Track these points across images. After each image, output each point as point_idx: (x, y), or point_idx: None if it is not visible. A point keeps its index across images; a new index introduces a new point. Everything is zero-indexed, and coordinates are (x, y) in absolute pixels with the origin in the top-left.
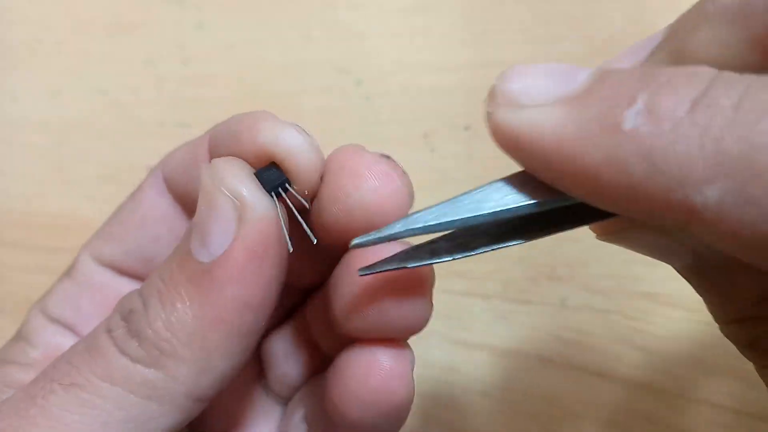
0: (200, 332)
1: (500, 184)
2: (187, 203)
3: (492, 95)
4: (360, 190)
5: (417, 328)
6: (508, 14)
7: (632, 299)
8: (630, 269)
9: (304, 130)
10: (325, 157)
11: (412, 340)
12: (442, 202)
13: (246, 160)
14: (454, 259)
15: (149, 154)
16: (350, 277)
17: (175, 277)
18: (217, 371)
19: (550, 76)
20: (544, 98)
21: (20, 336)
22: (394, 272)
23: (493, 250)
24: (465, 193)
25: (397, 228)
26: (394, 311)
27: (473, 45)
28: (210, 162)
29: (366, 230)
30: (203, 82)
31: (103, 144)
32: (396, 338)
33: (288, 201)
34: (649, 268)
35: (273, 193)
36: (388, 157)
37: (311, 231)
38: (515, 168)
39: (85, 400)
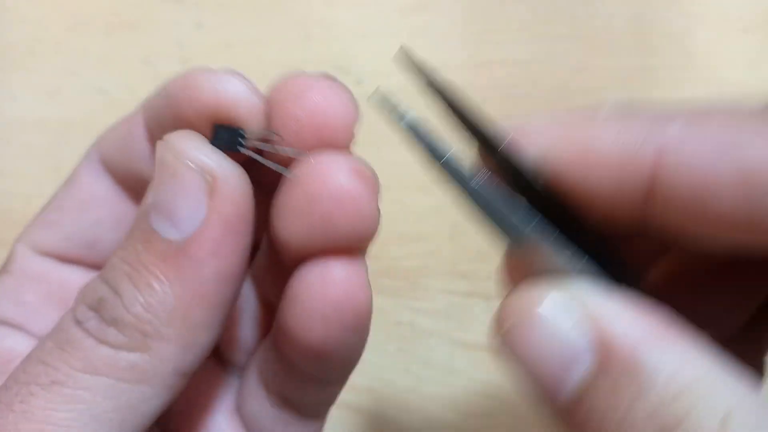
0: (182, 310)
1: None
2: (128, 183)
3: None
4: (306, 110)
5: (366, 234)
6: (508, 14)
7: None
8: None
9: (235, 72)
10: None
11: (413, 341)
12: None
13: (193, 126)
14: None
15: None
16: (293, 192)
17: (144, 258)
18: (201, 345)
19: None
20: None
21: None
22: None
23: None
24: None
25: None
26: (340, 217)
27: (473, 44)
28: (164, 138)
29: (319, 149)
30: None
31: None
32: (347, 249)
33: (247, 152)
34: None
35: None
36: (326, 74)
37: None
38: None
39: (70, 395)
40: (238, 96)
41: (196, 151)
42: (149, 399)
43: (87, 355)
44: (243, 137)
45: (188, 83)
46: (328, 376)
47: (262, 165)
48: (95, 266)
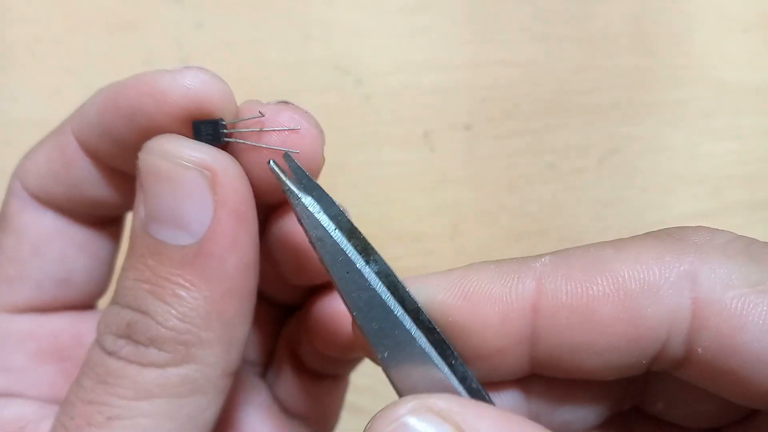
0: (216, 309)
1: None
2: (69, 208)
3: None
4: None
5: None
6: (508, 13)
7: None
8: None
9: (192, 66)
10: None
11: None
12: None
13: (164, 129)
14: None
15: None
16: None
17: (160, 271)
18: (240, 340)
19: None
20: None
21: None
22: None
23: None
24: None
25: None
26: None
27: (474, 44)
28: (146, 146)
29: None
30: None
31: None
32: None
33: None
34: None
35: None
36: (286, 102)
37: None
38: (515, 168)
39: (131, 425)
40: (208, 87)
41: (189, 150)
42: (206, 408)
43: (135, 381)
44: (224, 127)
45: (148, 88)
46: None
47: (236, 149)
48: (77, 304)
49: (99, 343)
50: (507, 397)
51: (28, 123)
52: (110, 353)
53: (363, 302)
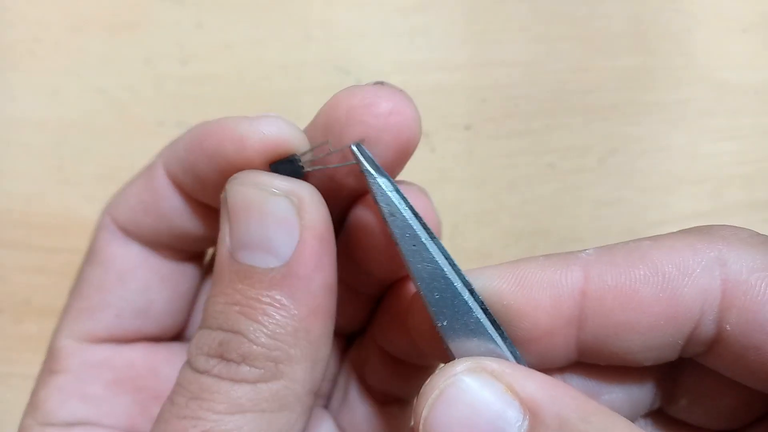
0: (303, 327)
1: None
2: (156, 241)
3: None
4: (378, 117)
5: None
6: (508, 13)
7: None
8: None
9: (267, 114)
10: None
11: None
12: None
13: (241, 168)
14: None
15: (149, 154)
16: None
17: (251, 293)
18: (323, 358)
19: None
20: None
21: None
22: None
23: None
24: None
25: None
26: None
27: (473, 44)
28: (235, 179)
29: (395, 153)
30: (202, 81)
31: (103, 144)
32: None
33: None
34: None
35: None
36: (381, 82)
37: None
38: (515, 168)
39: None
40: (283, 133)
41: (277, 180)
42: (294, 424)
43: (228, 396)
44: (299, 161)
45: (230, 133)
46: None
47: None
48: (153, 336)
49: (190, 364)
50: None
51: (28, 123)
52: (202, 372)
53: (426, 273)
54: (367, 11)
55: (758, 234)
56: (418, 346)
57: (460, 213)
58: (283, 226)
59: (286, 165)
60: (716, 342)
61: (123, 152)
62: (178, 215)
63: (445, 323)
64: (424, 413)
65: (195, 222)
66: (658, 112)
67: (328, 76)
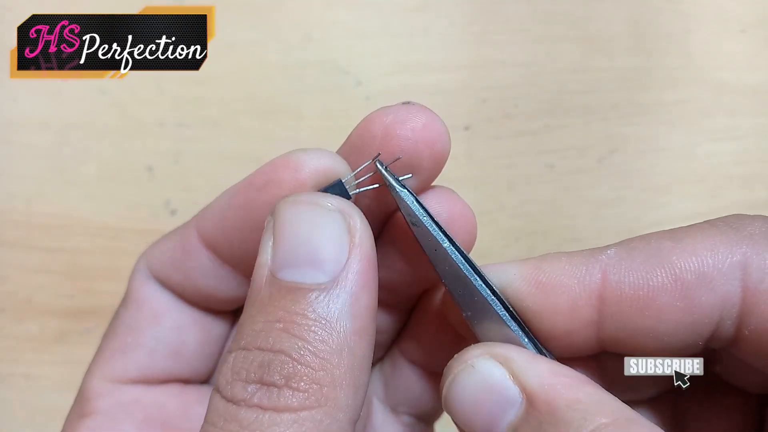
0: (348, 346)
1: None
2: (185, 294)
3: None
4: (414, 131)
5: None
6: (508, 14)
7: None
8: None
9: (313, 149)
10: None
11: None
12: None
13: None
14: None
15: (149, 154)
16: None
17: (295, 309)
18: (364, 384)
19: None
20: None
21: None
22: None
23: None
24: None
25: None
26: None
27: (473, 44)
28: (289, 198)
29: (431, 162)
30: (203, 82)
31: (103, 144)
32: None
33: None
34: None
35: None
36: (408, 102)
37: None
38: (515, 168)
39: None
40: (333, 160)
41: (330, 198)
42: None
43: (271, 431)
44: (344, 184)
45: (284, 162)
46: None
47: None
48: (183, 378)
49: (223, 392)
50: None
51: (28, 123)
52: (239, 403)
53: (449, 274)
54: (367, 12)
55: None
56: (455, 331)
57: None
58: (335, 242)
59: (335, 188)
60: (736, 340)
61: (124, 153)
62: (205, 276)
63: (469, 314)
64: (444, 392)
65: (221, 284)
66: (657, 113)
67: (328, 76)
